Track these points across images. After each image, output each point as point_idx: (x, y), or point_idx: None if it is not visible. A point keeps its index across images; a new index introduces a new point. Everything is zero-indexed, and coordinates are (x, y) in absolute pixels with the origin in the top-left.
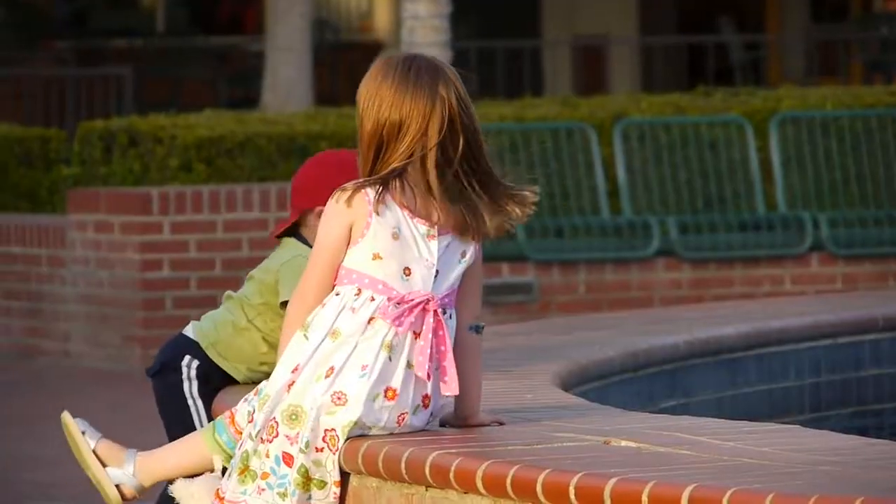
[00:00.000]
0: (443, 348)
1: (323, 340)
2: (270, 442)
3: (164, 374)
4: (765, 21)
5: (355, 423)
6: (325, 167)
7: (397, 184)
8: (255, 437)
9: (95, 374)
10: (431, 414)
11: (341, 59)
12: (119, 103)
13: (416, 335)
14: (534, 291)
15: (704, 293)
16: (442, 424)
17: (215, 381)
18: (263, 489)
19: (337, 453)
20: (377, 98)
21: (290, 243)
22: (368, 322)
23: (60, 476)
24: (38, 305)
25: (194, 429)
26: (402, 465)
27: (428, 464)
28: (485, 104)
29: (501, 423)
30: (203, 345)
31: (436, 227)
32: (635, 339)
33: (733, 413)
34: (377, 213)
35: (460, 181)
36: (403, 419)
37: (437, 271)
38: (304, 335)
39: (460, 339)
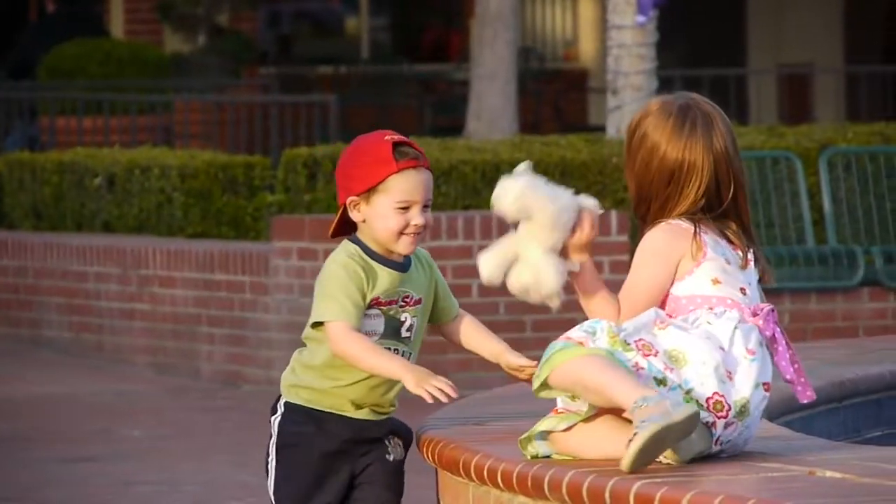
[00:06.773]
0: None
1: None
2: (646, 357)
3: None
4: None
5: (747, 401)
6: (343, 159)
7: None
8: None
9: None
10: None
11: (546, 88)
12: (323, 130)
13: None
14: None
15: None
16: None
17: (305, 427)
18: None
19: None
20: (650, 143)
21: (342, 244)
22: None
23: (266, 502)
24: (241, 332)
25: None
26: (607, 494)
27: (633, 493)
28: None
29: None
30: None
31: (747, 261)
32: (840, 369)
33: None
34: (710, 249)
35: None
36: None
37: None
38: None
39: None
